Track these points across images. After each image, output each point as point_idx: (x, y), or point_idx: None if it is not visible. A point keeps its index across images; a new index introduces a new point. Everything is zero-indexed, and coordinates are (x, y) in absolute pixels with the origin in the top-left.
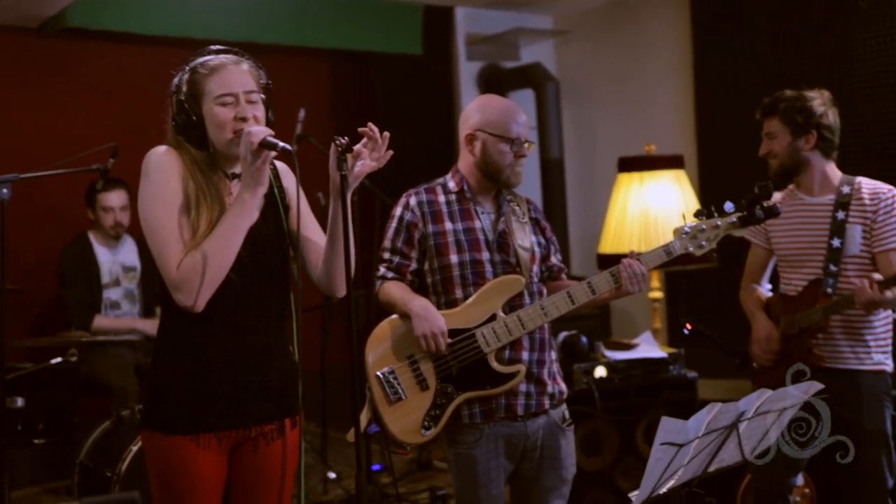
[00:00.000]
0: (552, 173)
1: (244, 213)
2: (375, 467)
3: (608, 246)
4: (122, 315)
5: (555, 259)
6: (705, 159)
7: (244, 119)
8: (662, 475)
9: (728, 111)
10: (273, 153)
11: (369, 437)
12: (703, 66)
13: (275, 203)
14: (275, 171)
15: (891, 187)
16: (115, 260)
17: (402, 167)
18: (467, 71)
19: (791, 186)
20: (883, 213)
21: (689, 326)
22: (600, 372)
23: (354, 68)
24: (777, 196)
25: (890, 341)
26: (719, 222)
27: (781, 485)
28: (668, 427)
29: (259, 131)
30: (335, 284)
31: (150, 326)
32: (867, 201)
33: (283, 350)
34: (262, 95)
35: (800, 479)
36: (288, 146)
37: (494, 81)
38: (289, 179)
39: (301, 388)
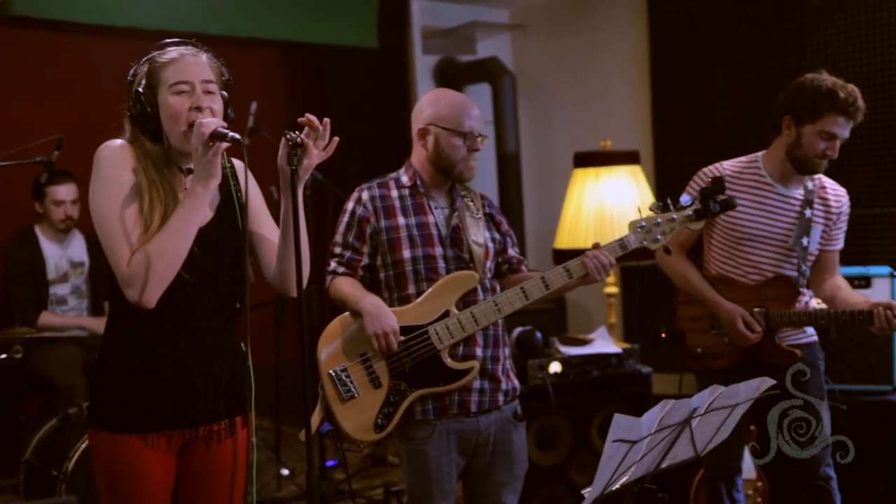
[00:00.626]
0: (508, 168)
1: (196, 206)
2: (330, 463)
3: (564, 241)
4: (69, 311)
5: (513, 252)
6: (661, 154)
7: (199, 108)
8: (615, 472)
9: (684, 106)
10: (225, 144)
11: (322, 436)
12: (659, 60)
13: (231, 200)
14: (232, 168)
15: (844, 190)
16: (63, 255)
17: (356, 161)
18: (423, 64)
19: (756, 164)
20: (844, 217)
21: (664, 335)
22: (555, 367)
23: (308, 61)
24: (733, 164)
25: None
26: (675, 216)
27: (730, 471)
28: (621, 424)
29: (210, 122)
30: (289, 282)
31: (98, 325)
32: (832, 203)
33: (234, 348)
34: (224, 92)
35: (752, 472)
36: (238, 136)
37: (450, 75)
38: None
39: (253, 387)
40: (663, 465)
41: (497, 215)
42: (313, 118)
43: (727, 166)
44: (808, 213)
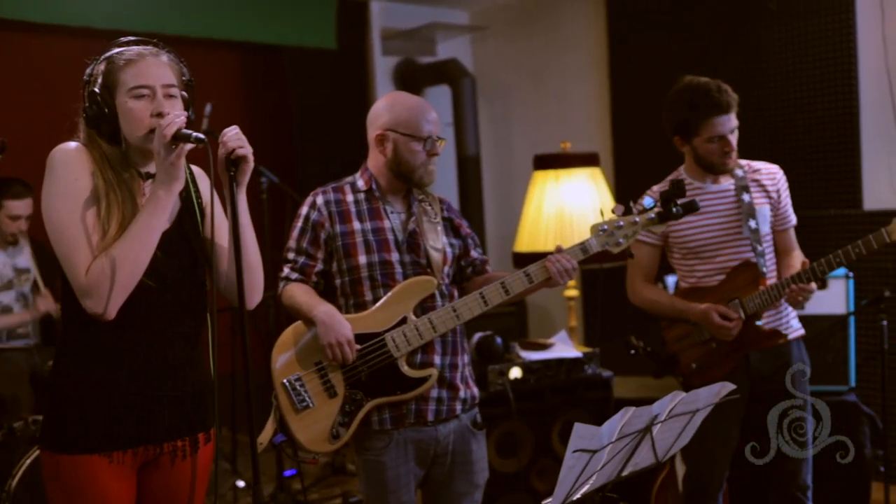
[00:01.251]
0: (468, 171)
1: (158, 212)
2: (287, 473)
3: (524, 244)
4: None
5: (476, 253)
6: (620, 156)
7: (160, 114)
8: (576, 482)
9: (643, 109)
10: (189, 146)
11: (277, 447)
12: (618, 62)
13: (191, 204)
14: (191, 174)
15: (777, 166)
16: (7, 262)
17: (315, 163)
18: (383, 66)
19: (681, 176)
20: (783, 191)
21: (634, 348)
22: (515, 373)
23: (266, 62)
24: (661, 185)
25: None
26: (637, 219)
27: (714, 481)
28: (582, 433)
29: (172, 123)
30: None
31: (45, 305)
32: (766, 182)
33: (198, 361)
34: (184, 93)
35: None
36: (203, 136)
37: (410, 77)
38: (205, 183)
39: (216, 401)
40: (624, 473)
41: (456, 219)
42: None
43: (656, 189)
44: (746, 197)
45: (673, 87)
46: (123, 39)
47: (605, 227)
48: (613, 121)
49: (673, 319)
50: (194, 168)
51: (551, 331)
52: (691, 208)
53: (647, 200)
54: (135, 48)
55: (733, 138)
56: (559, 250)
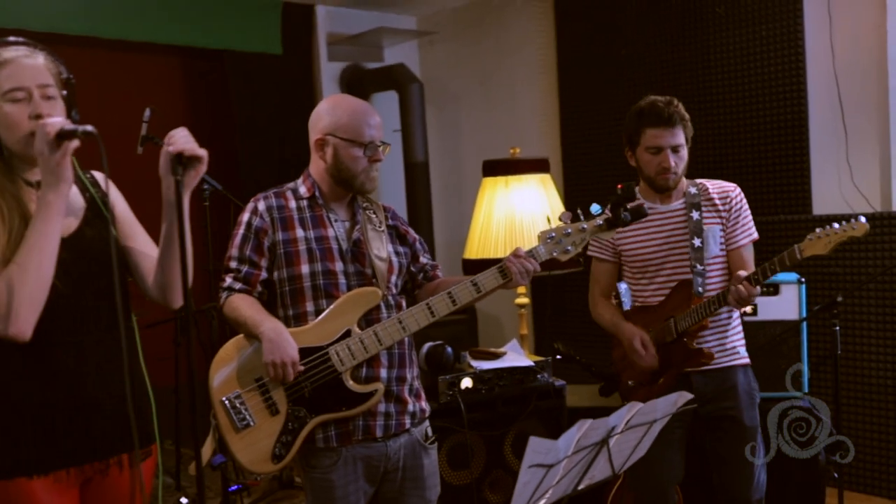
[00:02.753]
0: (417, 177)
1: (51, 216)
2: (233, 488)
3: (474, 251)
4: None
5: (425, 259)
6: (569, 162)
7: (39, 116)
8: (532, 498)
9: (591, 115)
10: (74, 143)
11: (215, 468)
12: (566, 68)
13: (96, 205)
14: (91, 178)
15: (734, 185)
16: None
17: (259, 170)
18: (329, 71)
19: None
20: (735, 211)
21: (560, 353)
22: (466, 383)
23: (209, 67)
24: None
25: (742, 334)
26: (585, 226)
27: (665, 496)
28: (537, 448)
29: (55, 121)
30: (171, 296)
31: None
32: (718, 201)
33: (130, 371)
34: (64, 91)
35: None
36: (89, 128)
37: (357, 82)
38: (111, 188)
39: (154, 412)
40: (581, 487)
41: (402, 226)
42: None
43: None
44: (694, 215)
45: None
46: None
47: (553, 234)
48: (562, 126)
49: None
50: (96, 174)
51: (502, 339)
52: (639, 214)
53: (594, 207)
54: (7, 49)
55: (673, 157)
56: (518, 254)
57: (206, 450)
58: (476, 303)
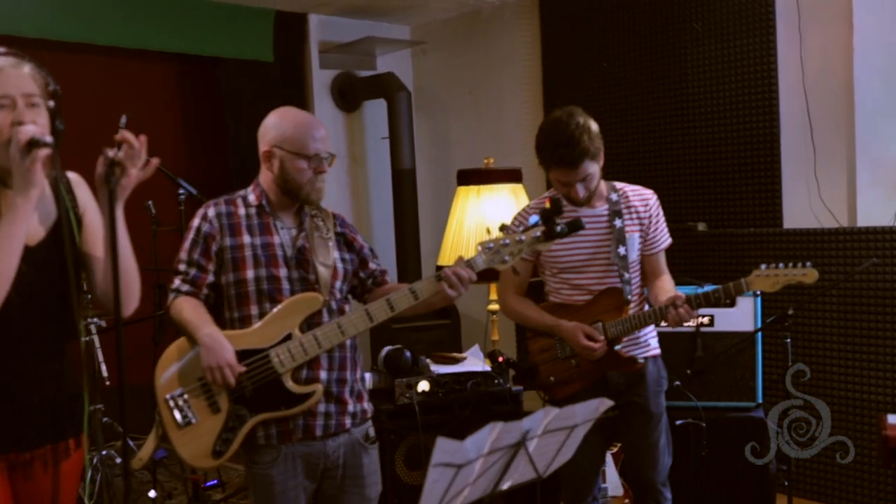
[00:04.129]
0: (403, 184)
1: (17, 219)
2: (209, 483)
3: (446, 258)
4: None
5: (374, 265)
6: None
7: (20, 123)
8: (444, 496)
9: None
10: (46, 152)
11: (156, 463)
12: (551, 81)
13: (67, 215)
14: (67, 182)
15: (651, 191)
16: None
17: (250, 177)
18: (321, 79)
19: (558, 196)
20: (655, 217)
21: (500, 359)
22: (423, 386)
23: (202, 74)
24: (534, 203)
25: (654, 327)
26: (523, 237)
27: (585, 490)
28: (444, 448)
29: (27, 129)
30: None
31: None
32: (639, 208)
33: (66, 369)
34: (51, 102)
35: (619, 490)
36: (48, 139)
37: (348, 90)
38: (82, 190)
39: (87, 407)
40: (504, 487)
41: (350, 233)
42: (130, 136)
43: (532, 205)
44: (617, 223)
45: (551, 114)
46: None
47: (491, 244)
48: None
49: (539, 332)
50: (71, 175)
51: (484, 345)
52: (576, 227)
53: (532, 218)
54: None
55: (582, 186)
56: (459, 262)
57: (149, 445)
58: (426, 309)
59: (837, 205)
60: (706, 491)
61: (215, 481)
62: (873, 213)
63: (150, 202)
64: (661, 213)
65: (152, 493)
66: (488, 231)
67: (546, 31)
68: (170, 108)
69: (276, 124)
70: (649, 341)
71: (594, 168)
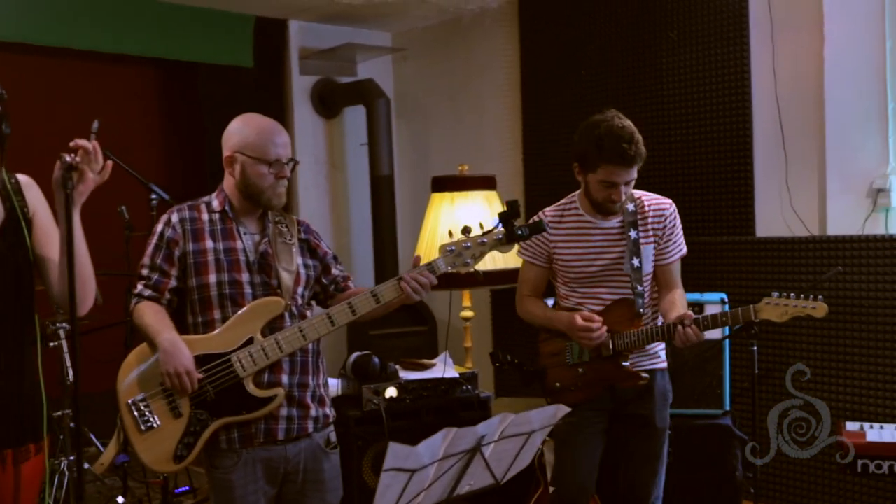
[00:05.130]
0: (382, 190)
1: None
2: (180, 490)
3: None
4: None
5: (337, 271)
6: (531, 179)
7: None
8: (399, 500)
9: (552, 133)
10: None
11: (117, 468)
12: (529, 88)
13: (15, 216)
14: (16, 184)
15: (670, 201)
16: None
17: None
18: (300, 85)
19: (574, 205)
20: (669, 229)
21: (500, 361)
22: (391, 392)
23: (181, 79)
24: (553, 208)
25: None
26: (485, 239)
27: (585, 491)
28: (397, 453)
29: None
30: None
31: None
32: (653, 218)
33: (22, 372)
34: None
35: None
36: None
37: (328, 96)
38: (32, 192)
39: (45, 411)
40: (461, 492)
41: (314, 239)
42: (84, 142)
43: (549, 212)
44: (633, 234)
45: (594, 116)
46: None
47: (453, 247)
48: (524, 143)
49: (551, 335)
50: (21, 177)
51: (462, 351)
52: (538, 229)
53: (493, 221)
54: None
55: (625, 189)
56: (417, 264)
57: (111, 450)
58: (385, 312)
59: (808, 213)
60: (673, 499)
61: (187, 487)
62: (843, 221)
63: (123, 207)
64: (678, 223)
65: (121, 500)
66: (450, 234)
67: (525, 39)
68: (148, 112)
69: (238, 130)
70: (659, 353)
71: (635, 176)
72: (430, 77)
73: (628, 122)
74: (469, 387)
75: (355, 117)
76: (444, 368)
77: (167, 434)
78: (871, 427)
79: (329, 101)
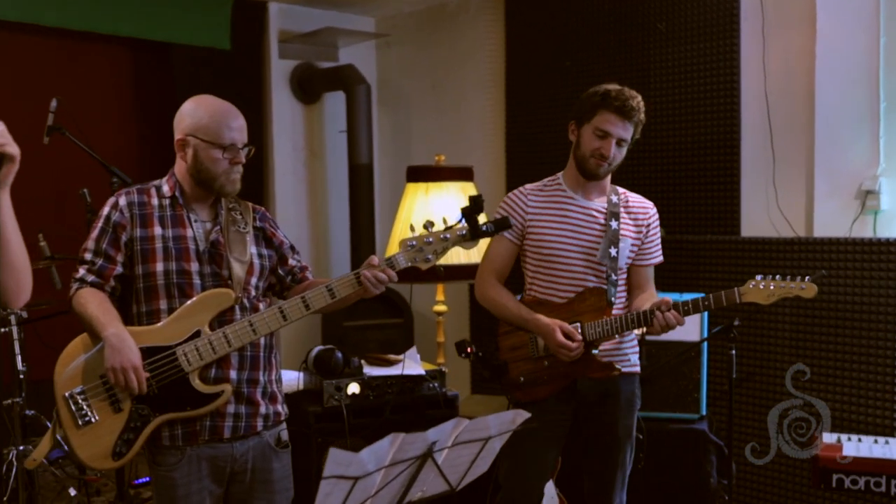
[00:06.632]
0: (360, 178)
1: None
2: (140, 480)
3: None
4: None
5: (293, 261)
6: (513, 169)
7: None
8: None
9: (535, 123)
10: None
11: (51, 463)
12: (514, 77)
13: None
14: None
15: (652, 203)
16: None
17: None
18: (279, 69)
19: (557, 181)
20: (652, 229)
21: (469, 350)
22: (353, 388)
23: (155, 60)
24: (535, 184)
25: (636, 341)
26: (448, 235)
27: (532, 495)
28: (338, 459)
29: None
30: (8, 296)
31: None
32: (639, 215)
33: None
34: None
35: (555, 500)
36: None
37: (307, 81)
38: None
39: None
40: (411, 499)
41: (270, 228)
42: None
43: (529, 187)
44: (613, 224)
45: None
46: None
47: (414, 242)
48: (507, 133)
49: (513, 327)
50: None
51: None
52: (503, 226)
53: (457, 216)
54: None
55: (614, 149)
56: (372, 263)
57: (45, 444)
58: (342, 306)
59: (795, 213)
60: None
61: (147, 479)
62: (830, 223)
63: (85, 190)
64: (659, 227)
65: (73, 492)
66: (412, 228)
67: (510, 28)
68: (120, 94)
69: (191, 112)
70: (630, 356)
71: (629, 139)
72: (413, 64)
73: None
74: (436, 384)
75: (335, 103)
76: (406, 365)
77: (106, 430)
78: (850, 439)
79: (308, 87)
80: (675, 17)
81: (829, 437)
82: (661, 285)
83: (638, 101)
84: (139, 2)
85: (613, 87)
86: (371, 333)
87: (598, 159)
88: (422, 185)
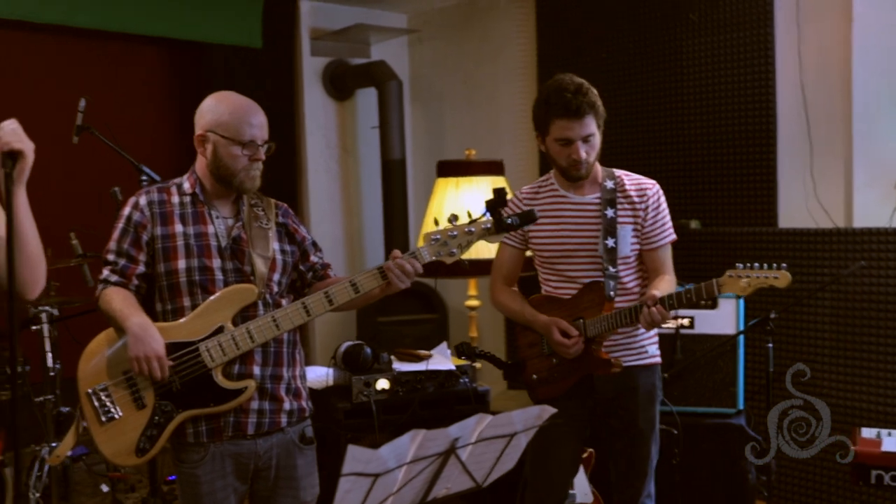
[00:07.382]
0: (393, 174)
1: None
2: (173, 477)
3: None
4: None
5: (315, 258)
6: (545, 164)
7: None
8: None
9: None
10: None
11: (77, 460)
12: (546, 71)
13: None
14: None
15: (653, 181)
16: None
17: None
18: (311, 67)
19: (550, 181)
20: (652, 210)
21: (466, 354)
22: (382, 384)
23: (189, 59)
24: (529, 186)
25: (655, 331)
26: (472, 229)
27: (556, 490)
28: (358, 456)
29: None
30: (24, 287)
31: None
32: (635, 198)
33: None
34: None
35: (589, 497)
36: None
37: (339, 78)
38: None
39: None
40: (436, 496)
41: (292, 224)
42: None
43: (525, 189)
44: (609, 212)
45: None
46: None
47: (438, 236)
48: None
49: (524, 326)
50: None
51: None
52: (529, 219)
53: (483, 209)
54: None
55: (584, 147)
56: (395, 256)
57: (68, 441)
58: (368, 303)
59: (834, 204)
60: (681, 501)
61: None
62: (870, 213)
63: (116, 188)
64: (663, 205)
65: (105, 488)
66: (436, 222)
67: (541, 21)
68: (154, 93)
69: (211, 108)
70: (646, 348)
71: (595, 129)
72: (444, 59)
73: (578, 78)
74: (466, 379)
75: (367, 100)
76: (436, 360)
77: (129, 426)
78: (890, 434)
79: (340, 84)
80: (708, 7)
81: (868, 433)
82: (697, 278)
83: (582, 92)
84: (171, 2)
85: (554, 88)
86: (405, 329)
87: (574, 166)
88: (452, 180)
